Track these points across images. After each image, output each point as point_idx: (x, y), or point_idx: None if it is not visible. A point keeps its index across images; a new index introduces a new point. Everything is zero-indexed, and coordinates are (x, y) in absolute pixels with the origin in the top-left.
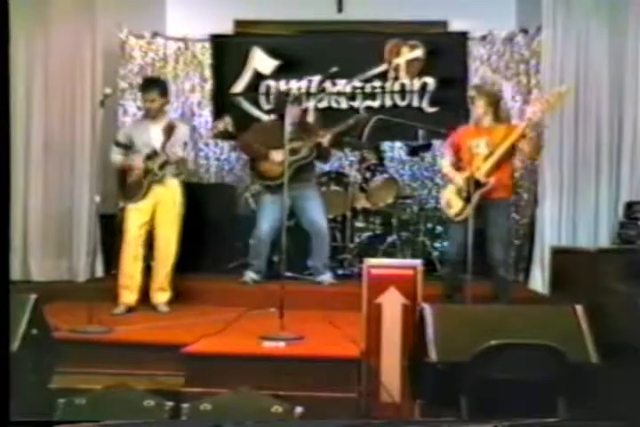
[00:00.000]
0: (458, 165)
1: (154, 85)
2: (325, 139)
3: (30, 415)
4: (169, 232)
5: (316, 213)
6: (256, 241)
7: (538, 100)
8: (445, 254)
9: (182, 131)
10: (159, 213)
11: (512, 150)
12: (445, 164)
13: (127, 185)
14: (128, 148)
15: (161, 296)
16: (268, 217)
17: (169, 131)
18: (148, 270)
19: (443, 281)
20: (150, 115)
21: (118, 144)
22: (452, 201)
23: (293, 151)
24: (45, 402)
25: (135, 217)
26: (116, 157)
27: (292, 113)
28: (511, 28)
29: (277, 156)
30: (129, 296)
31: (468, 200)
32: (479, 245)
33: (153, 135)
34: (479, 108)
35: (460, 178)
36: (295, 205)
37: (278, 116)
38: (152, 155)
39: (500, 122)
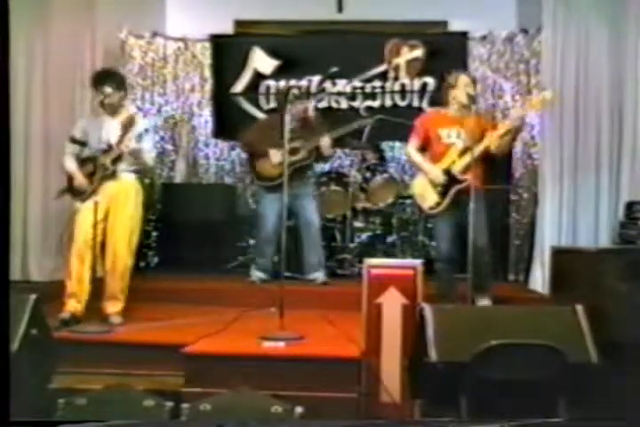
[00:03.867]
0: (429, 155)
1: (109, 78)
2: (325, 142)
3: (30, 415)
4: (120, 235)
5: (310, 212)
6: (260, 240)
7: (521, 106)
8: (436, 252)
9: (141, 123)
10: (111, 212)
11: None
12: (413, 151)
13: (77, 182)
14: (83, 144)
15: (112, 306)
16: (271, 215)
17: (128, 125)
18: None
19: (437, 281)
20: (108, 111)
21: (74, 141)
22: (425, 193)
23: (293, 151)
24: (45, 402)
25: (85, 217)
26: (69, 158)
27: (294, 110)
28: (511, 28)
29: (276, 156)
30: (75, 305)
31: (443, 194)
32: (463, 238)
33: (110, 130)
34: (461, 96)
35: (436, 171)
36: (292, 204)
37: (280, 113)
38: (107, 149)
39: (470, 111)
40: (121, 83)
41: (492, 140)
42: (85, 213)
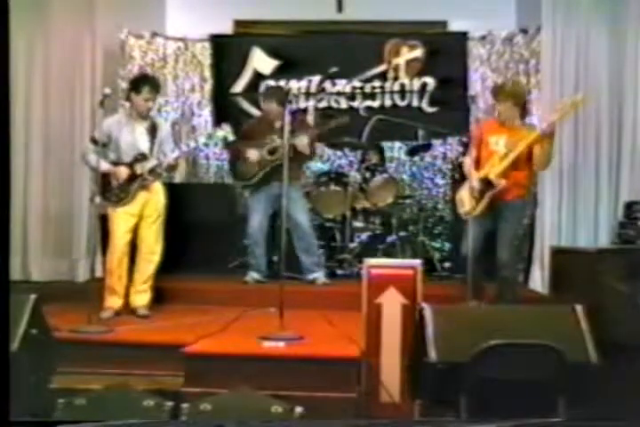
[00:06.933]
0: (477, 162)
1: (153, 83)
2: (300, 141)
3: (30, 415)
4: (153, 234)
5: (299, 214)
6: (249, 240)
7: (556, 109)
8: (464, 255)
9: (166, 130)
10: (145, 215)
11: (529, 153)
12: (468, 161)
13: (112, 188)
14: (104, 146)
15: (140, 299)
16: (255, 215)
17: (153, 130)
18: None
19: (466, 283)
20: (142, 114)
21: (95, 142)
22: (464, 199)
23: (273, 150)
24: (45, 402)
25: (123, 221)
26: (91, 156)
27: (272, 110)
28: (511, 28)
29: (253, 155)
30: (117, 301)
31: (479, 199)
32: (493, 244)
33: (139, 136)
34: (505, 109)
35: (475, 177)
36: (278, 204)
37: (265, 114)
38: (140, 158)
39: (524, 122)
40: (159, 88)
41: (526, 144)
42: (121, 219)
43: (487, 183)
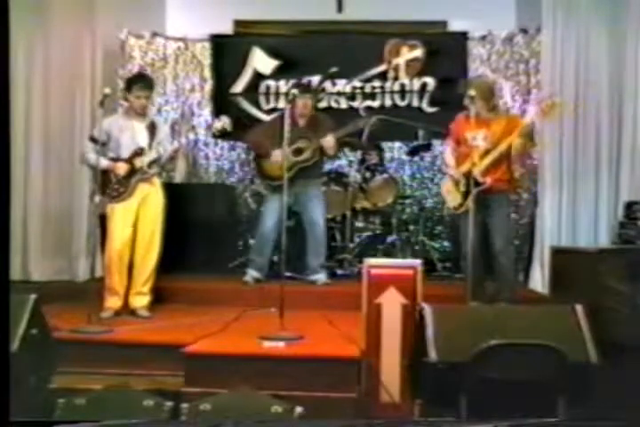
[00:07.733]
0: (457, 157)
1: (145, 81)
2: (327, 142)
3: (30, 415)
4: (152, 233)
5: (317, 213)
6: (259, 239)
7: (535, 111)
8: (462, 254)
9: (164, 131)
10: (142, 212)
11: (509, 146)
12: (446, 153)
13: (111, 184)
14: (104, 145)
15: (140, 300)
16: (272, 214)
17: (152, 129)
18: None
19: (466, 282)
20: (138, 112)
21: (94, 140)
22: (450, 193)
23: (297, 151)
24: (45, 402)
25: (121, 218)
26: (91, 155)
27: (297, 108)
28: (511, 28)
29: (277, 156)
30: (116, 301)
31: (465, 194)
32: (487, 239)
33: (138, 133)
34: (475, 102)
35: (456, 173)
36: (297, 203)
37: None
38: (139, 152)
39: (496, 113)
40: (153, 86)
41: (508, 143)
42: (121, 214)
43: (471, 180)
